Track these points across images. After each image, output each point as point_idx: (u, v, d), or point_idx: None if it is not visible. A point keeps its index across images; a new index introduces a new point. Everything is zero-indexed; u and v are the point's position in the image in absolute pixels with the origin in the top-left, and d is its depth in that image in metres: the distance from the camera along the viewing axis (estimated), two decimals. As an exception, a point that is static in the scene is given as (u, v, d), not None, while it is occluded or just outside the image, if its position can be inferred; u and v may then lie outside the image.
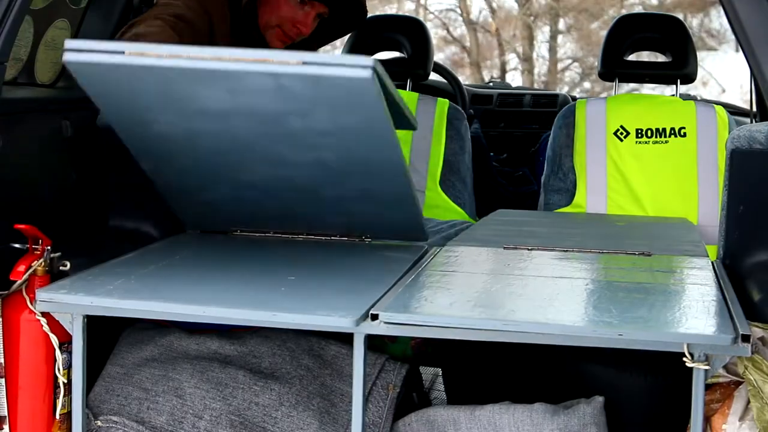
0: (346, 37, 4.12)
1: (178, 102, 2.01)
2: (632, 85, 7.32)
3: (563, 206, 3.46)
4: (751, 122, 3.39)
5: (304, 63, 1.86)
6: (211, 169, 2.26)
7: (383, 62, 4.21)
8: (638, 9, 14.12)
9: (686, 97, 4.10)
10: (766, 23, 2.16)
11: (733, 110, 4.16)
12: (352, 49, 4.01)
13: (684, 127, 3.41)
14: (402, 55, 4.13)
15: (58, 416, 2.08)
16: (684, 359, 1.76)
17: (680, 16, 5.13)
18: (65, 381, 2.06)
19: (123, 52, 1.85)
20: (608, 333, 1.77)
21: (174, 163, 2.28)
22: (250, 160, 2.20)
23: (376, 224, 2.45)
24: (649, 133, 3.43)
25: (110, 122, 2.15)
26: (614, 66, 3.64)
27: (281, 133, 2.07)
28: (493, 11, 14.50)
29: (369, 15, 3.40)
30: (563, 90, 11.26)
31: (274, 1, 2.86)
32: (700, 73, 10.17)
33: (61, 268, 2.12)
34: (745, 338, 1.74)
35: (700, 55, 11.76)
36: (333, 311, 1.87)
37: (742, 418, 1.95)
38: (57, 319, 2.02)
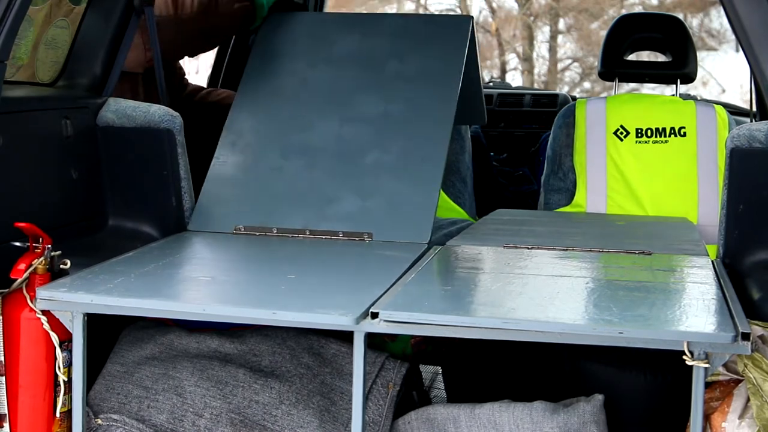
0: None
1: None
2: (632, 85, 7.32)
3: (563, 206, 3.46)
4: (751, 122, 3.39)
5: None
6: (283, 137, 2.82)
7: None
8: (638, 9, 14.11)
9: (686, 96, 4.10)
10: (766, 23, 2.16)
11: (733, 110, 4.16)
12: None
13: (684, 127, 3.41)
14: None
15: (58, 414, 2.08)
16: (684, 357, 1.76)
17: (680, 16, 5.13)
18: (65, 379, 2.06)
19: None
20: (608, 331, 1.77)
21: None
22: (328, 113, 2.83)
23: (388, 210, 2.59)
24: (649, 133, 3.43)
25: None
26: (614, 66, 3.64)
27: (375, 78, 2.86)
28: (493, 11, 14.50)
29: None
30: (563, 90, 11.26)
31: None
32: (700, 73, 10.18)
33: (61, 266, 2.12)
34: (745, 336, 1.74)
35: (700, 55, 11.75)
36: (333, 309, 1.87)
37: (741, 416, 1.95)
38: (57, 317, 2.02)
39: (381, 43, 2.96)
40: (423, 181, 2.65)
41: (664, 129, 3.42)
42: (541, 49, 14.64)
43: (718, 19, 13.31)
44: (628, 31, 3.69)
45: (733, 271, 2.34)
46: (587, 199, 3.42)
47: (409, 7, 14.72)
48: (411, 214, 2.59)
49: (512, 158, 5.00)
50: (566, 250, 2.46)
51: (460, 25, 2.98)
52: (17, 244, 2.13)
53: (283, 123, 2.85)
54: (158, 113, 2.61)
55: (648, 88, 5.12)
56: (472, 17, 3.06)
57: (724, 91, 12.58)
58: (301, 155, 2.77)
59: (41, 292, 1.98)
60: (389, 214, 2.59)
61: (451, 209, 3.44)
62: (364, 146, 2.75)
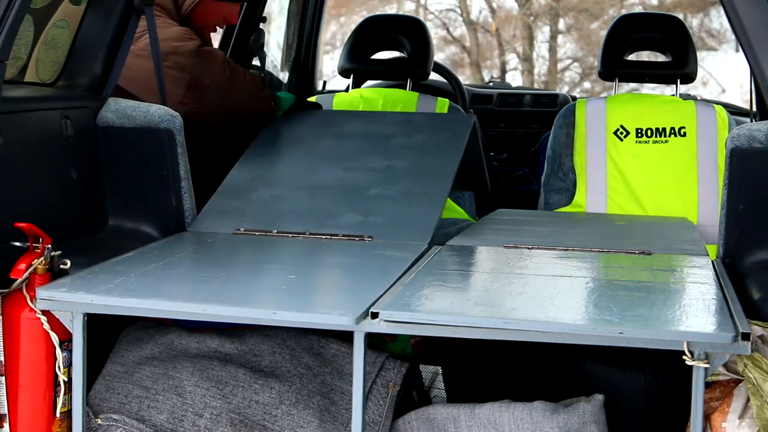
0: (347, 37, 4.14)
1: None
2: (632, 85, 7.31)
3: (563, 206, 3.46)
4: (751, 122, 3.39)
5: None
6: (290, 171, 2.99)
7: (383, 61, 4.25)
8: (638, 9, 14.10)
9: (686, 96, 4.10)
10: (766, 23, 2.17)
11: (733, 110, 4.16)
12: (353, 48, 4.02)
13: (684, 127, 3.41)
14: (402, 54, 4.14)
15: (58, 414, 2.07)
16: (684, 357, 1.76)
17: (680, 16, 5.13)
18: (65, 379, 2.06)
19: None
20: (609, 331, 1.77)
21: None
22: (333, 165, 2.94)
23: (388, 224, 2.62)
24: (649, 133, 3.43)
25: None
26: (614, 66, 3.64)
27: (380, 147, 3.00)
28: (493, 11, 14.48)
29: (369, 15, 3.43)
30: (563, 90, 11.25)
31: (206, 9, 3.20)
32: (700, 73, 10.16)
33: (61, 266, 2.12)
34: (745, 336, 1.74)
35: (700, 55, 11.74)
36: (333, 309, 1.87)
37: (741, 416, 1.95)
38: (57, 317, 2.02)
39: (386, 126, 3.18)
40: (425, 202, 2.72)
41: (664, 129, 3.42)
42: (541, 49, 14.64)
43: (718, 19, 13.31)
44: (628, 31, 3.69)
45: (733, 271, 2.34)
46: (587, 199, 3.42)
47: (409, 8, 14.72)
48: (412, 221, 2.63)
49: (512, 158, 5.00)
50: (566, 250, 2.46)
51: (462, 120, 3.31)
52: (17, 244, 2.13)
53: (289, 170, 2.97)
54: (158, 113, 2.61)
55: (648, 88, 5.12)
56: (475, 116, 3.28)
57: (724, 91, 12.57)
58: (304, 188, 2.85)
59: (41, 292, 1.98)
60: (390, 222, 2.64)
61: (451, 209, 3.44)
62: (367, 185, 2.83)
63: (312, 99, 3.81)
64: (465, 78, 12.50)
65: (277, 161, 3.03)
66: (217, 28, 3.36)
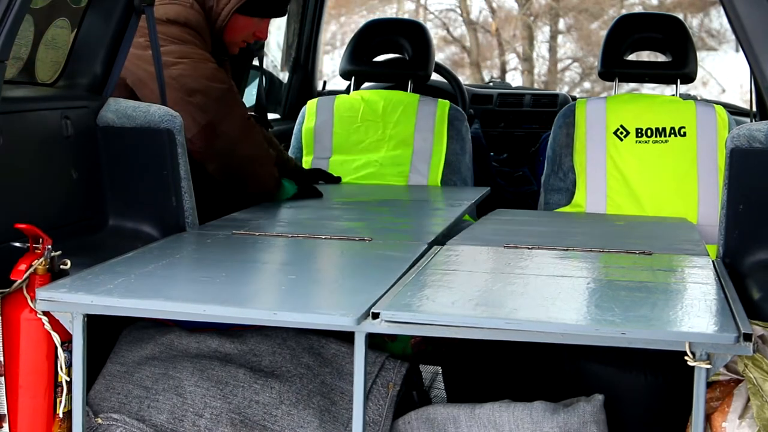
0: (347, 38, 4.14)
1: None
2: (632, 85, 7.31)
3: (563, 206, 3.47)
4: (751, 122, 3.39)
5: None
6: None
7: (385, 63, 4.27)
8: (638, 9, 14.10)
9: (686, 96, 4.10)
10: (766, 23, 2.17)
11: (733, 110, 4.16)
12: (354, 51, 4.03)
13: (684, 127, 3.41)
14: (403, 56, 4.15)
15: (60, 414, 2.07)
16: (686, 358, 1.76)
17: (680, 16, 5.13)
18: (66, 379, 2.06)
19: None
20: (611, 332, 1.77)
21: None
22: (338, 213, 3.16)
23: (389, 229, 2.70)
24: (649, 133, 3.43)
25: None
26: (614, 66, 3.64)
27: (386, 204, 3.31)
28: (493, 11, 14.48)
29: (369, 15, 3.43)
30: (563, 90, 11.25)
31: (236, 24, 3.23)
32: (700, 73, 10.16)
33: (61, 267, 2.11)
34: (747, 337, 1.74)
35: (700, 55, 11.74)
36: (334, 310, 1.87)
37: (742, 416, 1.95)
38: (57, 317, 2.01)
39: (393, 191, 3.51)
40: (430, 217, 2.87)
41: (664, 129, 3.42)
42: (541, 49, 14.64)
43: (718, 19, 13.32)
44: (628, 31, 3.69)
45: (733, 271, 2.34)
46: (587, 199, 3.42)
47: (408, 8, 14.72)
48: (413, 225, 2.72)
49: (512, 158, 5.00)
50: (567, 250, 2.46)
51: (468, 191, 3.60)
52: (17, 244, 2.13)
53: (292, 214, 3.06)
54: (158, 113, 2.60)
55: (648, 88, 5.12)
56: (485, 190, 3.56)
57: (724, 91, 12.58)
58: (308, 221, 2.95)
59: (41, 293, 1.98)
60: (391, 227, 2.71)
61: (451, 209, 3.45)
62: (372, 216, 3.01)
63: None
64: (465, 78, 12.50)
65: (280, 210, 3.10)
66: (247, 43, 3.37)
